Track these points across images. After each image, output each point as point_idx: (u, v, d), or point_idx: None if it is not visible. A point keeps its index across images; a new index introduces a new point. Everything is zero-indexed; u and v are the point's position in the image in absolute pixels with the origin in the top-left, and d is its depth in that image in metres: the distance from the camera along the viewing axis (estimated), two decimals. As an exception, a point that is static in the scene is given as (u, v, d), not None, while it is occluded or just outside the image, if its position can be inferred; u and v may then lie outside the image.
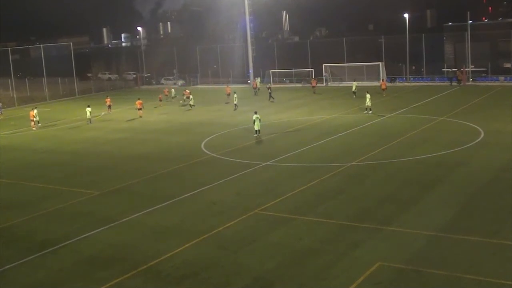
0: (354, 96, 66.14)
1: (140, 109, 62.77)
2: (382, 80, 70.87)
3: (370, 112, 54.16)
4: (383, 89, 67.10)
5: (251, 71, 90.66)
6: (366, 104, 54.54)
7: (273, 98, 69.53)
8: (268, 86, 72.70)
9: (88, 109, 60.95)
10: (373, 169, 34.29)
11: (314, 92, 74.43)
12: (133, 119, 61.63)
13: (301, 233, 24.43)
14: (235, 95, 64.30)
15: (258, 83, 79.77)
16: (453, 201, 27.45)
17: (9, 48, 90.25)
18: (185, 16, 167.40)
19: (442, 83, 77.08)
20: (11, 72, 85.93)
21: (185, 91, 73.52)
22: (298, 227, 25.26)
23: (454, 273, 19.67)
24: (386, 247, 22.37)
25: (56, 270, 22.45)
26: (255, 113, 46.10)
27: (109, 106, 67.66)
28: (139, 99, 64.97)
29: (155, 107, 69.50)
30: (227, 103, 68.22)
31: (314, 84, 76.82)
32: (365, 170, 34.38)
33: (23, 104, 79.49)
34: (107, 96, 71.45)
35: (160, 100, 72.61)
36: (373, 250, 22.16)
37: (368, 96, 54.74)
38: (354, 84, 68.61)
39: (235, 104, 63.64)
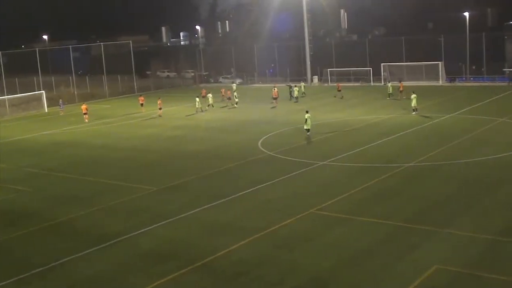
0: (389, 98, 65.47)
1: (85, 113, 63.30)
2: (400, 82, 68.50)
3: (414, 113, 53.34)
4: (401, 91, 64.61)
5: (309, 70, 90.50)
6: (413, 105, 53.80)
7: (236, 99, 68.84)
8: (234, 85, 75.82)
9: (197, 99, 64.78)
10: (432, 170, 33.74)
11: (295, 102, 69.40)
12: (192, 114, 62.41)
13: (358, 234, 24.23)
14: (296, 89, 70.95)
15: (297, 91, 71.57)
16: (515, 204, 26.81)
17: (70, 46, 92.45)
18: (242, 15, 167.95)
19: (503, 83, 75.18)
20: (72, 70, 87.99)
21: (202, 90, 75.53)
22: (354, 228, 25.06)
23: (515, 278, 19.21)
24: (443, 249, 21.96)
25: (114, 263, 22.86)
26: (307, 112, 46.03)
27: (142, 105, 68.19)
28: (83, 103, 67.34)
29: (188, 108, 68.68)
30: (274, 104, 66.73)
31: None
32: (424, 171, 33.86)
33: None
34: (140, 95, 72.79)
35: (204, 97, 69.42)
36: (431, 252, 21.77)
37: (414, 96, 53.96)
38: (390, 86, 67.21)
39: (296, 97, 70.07)
